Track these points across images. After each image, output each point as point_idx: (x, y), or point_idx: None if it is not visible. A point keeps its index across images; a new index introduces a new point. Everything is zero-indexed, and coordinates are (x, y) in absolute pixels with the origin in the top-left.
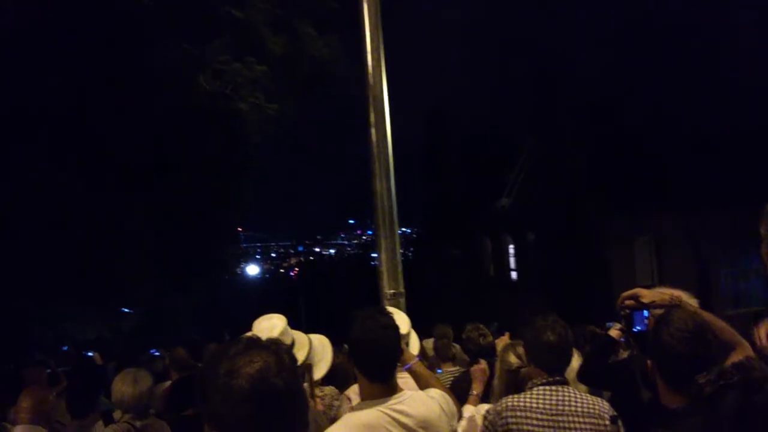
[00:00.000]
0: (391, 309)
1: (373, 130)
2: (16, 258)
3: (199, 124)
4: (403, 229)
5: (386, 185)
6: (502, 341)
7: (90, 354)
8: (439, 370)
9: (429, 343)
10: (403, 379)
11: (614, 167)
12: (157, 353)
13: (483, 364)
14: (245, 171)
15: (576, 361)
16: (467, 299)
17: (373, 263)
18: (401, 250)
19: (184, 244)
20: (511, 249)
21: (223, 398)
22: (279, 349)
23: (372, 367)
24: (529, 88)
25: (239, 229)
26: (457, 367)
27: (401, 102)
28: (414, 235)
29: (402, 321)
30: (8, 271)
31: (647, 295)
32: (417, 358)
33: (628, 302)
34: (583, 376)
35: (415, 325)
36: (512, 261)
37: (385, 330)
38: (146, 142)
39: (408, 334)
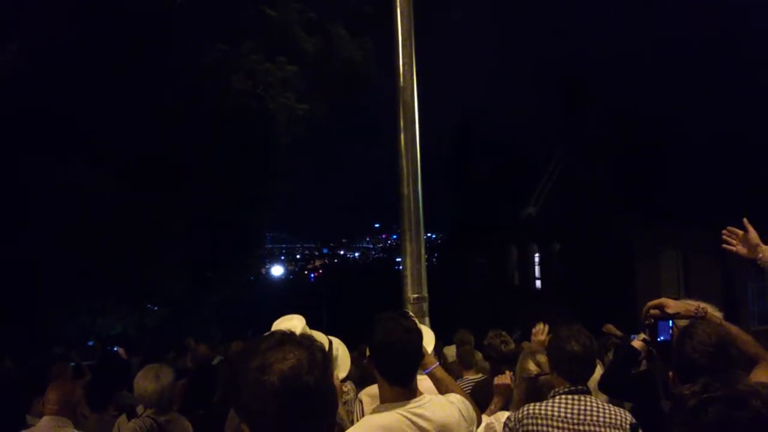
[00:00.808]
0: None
1: (402, 135)
2: (49, 254)
3: (232, 124)
4: (428, 234)
5: (413, 189)
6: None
7: (116, 349)
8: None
9: (451, 350)
10: (422, 382)
11: (642, 179)
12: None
13: (507, 376)
14: (274, 172)
15: (597, 371)
16: (491, 306)
17: (397, 267)
18: (425, 256)
19: (212, 243)
20: (537, 258)
21: (253, 393)
22: (312, 345)
23: (393, 370)
24: (559, 98)
25: (265, 230)
26: (479, 375)
27: (431, 109)
28: (438, 241)
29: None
30: (41, 267)
31: (673, 305)
32: (437, 362)
33: (653, 311)
34: (604, 385)
35: (437, 331)
36: (537, 270)
37: (408, 333)
38: (179, 142)
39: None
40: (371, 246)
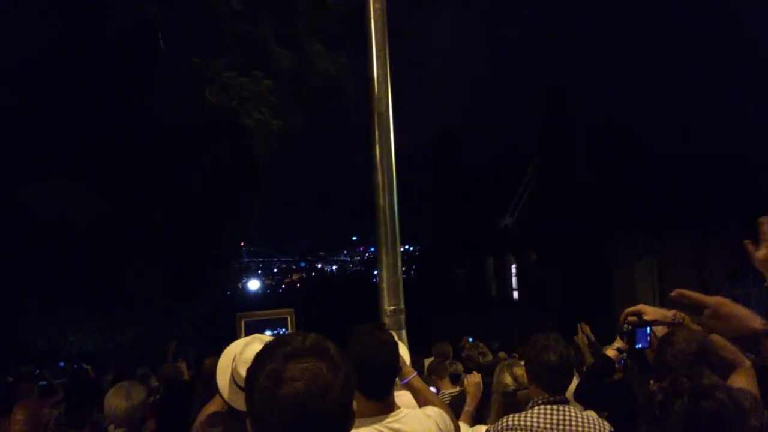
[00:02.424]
0: None
1: (377, 146)
2: (21, 266)
3: (207, 137)
4: (406, 246)
5: (389, 200)
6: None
7: (84, 366)
8: (433, 389)
9: (430, 361)
10: (401, 397)
11: (617, 189)
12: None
13: (477, 376)
14: (249, 186)
15: (573, 381)
16: (469, 317)
17: (374, 280)
18: (404, 268)
19: (186, 256)
20: (513, 268)
21: (261, 397)
22: (339, 364)
23: (369, 383)
24: (535, 110)
25: (242, 243)
26: (457, 388)
27: (410, 121)
28: (416, 253)
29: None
30: (12, 279)
31: (651, 312)
32: (415, 373)
33: (630, 318)
34: (580, 395)
35: (416, 343)
36: (514, 280)
37: (384, 346)
38: (155, 154)
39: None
40: (348, 259)
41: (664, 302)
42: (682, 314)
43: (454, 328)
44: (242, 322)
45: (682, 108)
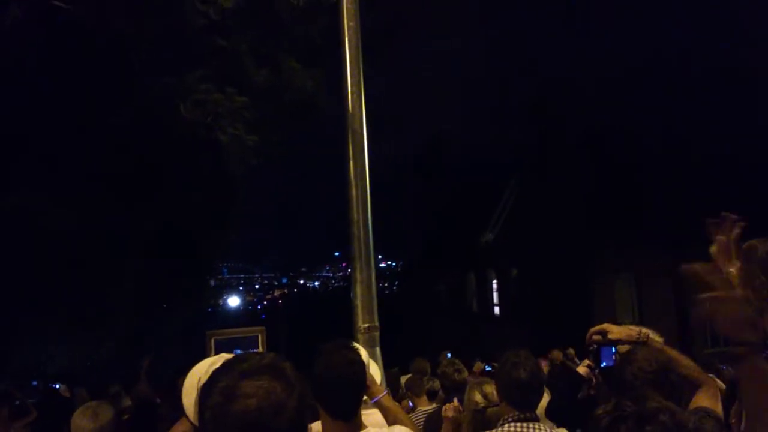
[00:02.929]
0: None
1: (351, 163)
2: None
3: (183, 154)
4: (389, 262)
5: (363, 215)
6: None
7: (57, 386)
8: (411, 404)
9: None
10: (367, 414)
11: (596, 204)
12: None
13: (455, 403)
14: (227, 202)
15: (545, 398)
16: (450, 333)
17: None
18: (387, 284)
19: (165, 274)
20: (494, 283)
21: (212, 414)
22: (294, 384)
23: (335, 403)
24: (517, 126)
25: (222, 259)
26: (433, 405)
27: (392, 137)
28: (399, 269)
29: (362, 353)
30: None
31: (615, 330)
32: (385, 391)
33: (596, 337)
34: (551, 412)
35: (397, 359)
36: (495, 295)
37: (351, 365)
38: (132, 170)
39: (367, 365)
40: (331, 274)
41: (643, 315)
42: (647, 332)
43: (435, 344)
44: (212, 341)
45: (658, 126)
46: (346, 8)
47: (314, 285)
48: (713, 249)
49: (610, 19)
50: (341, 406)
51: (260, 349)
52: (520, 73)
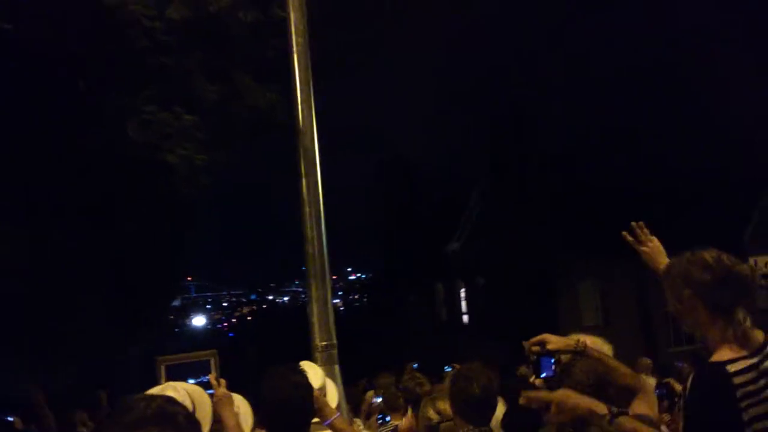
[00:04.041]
0: (305, 364)
1: (303, 180)
2: None
3: (134, 175)
4: (359, 274)
5: (317, 233)
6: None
7: (10, 419)
8: (387, 418)
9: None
10: None
11: (561, 213)
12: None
13: (409, 415)
14: (184, 222)
15: (500, 409)
16: (419, 344)
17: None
18: (357, 296)
19: (122, 300)
20: (462, 293)
21: None
22: (180, 425)
23: (282, 427)
24: (482, 137)
25: (189, 278)
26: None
27: (359, 147)
28: (367, 282)
29: (316, 375)
30: None
31: (554, 341)
32: (338, 413)
33: (534, 348)
34: (506, 425)
35: (367, 370)
36: (463, 305)
37: (297, 389)
38: (85, 194)
39: (323, 387)
40: (300, 289)
41: (607, 318)
42: (585, 341)
43: (405, 354)
44: (162, 367)
45: (620, 135)
46: (294, 25)
47: (283, 300)
48: (645, 251)
49: (575, 34)
50: (288, 429)
51: (213, 374)
52: (486, 87)
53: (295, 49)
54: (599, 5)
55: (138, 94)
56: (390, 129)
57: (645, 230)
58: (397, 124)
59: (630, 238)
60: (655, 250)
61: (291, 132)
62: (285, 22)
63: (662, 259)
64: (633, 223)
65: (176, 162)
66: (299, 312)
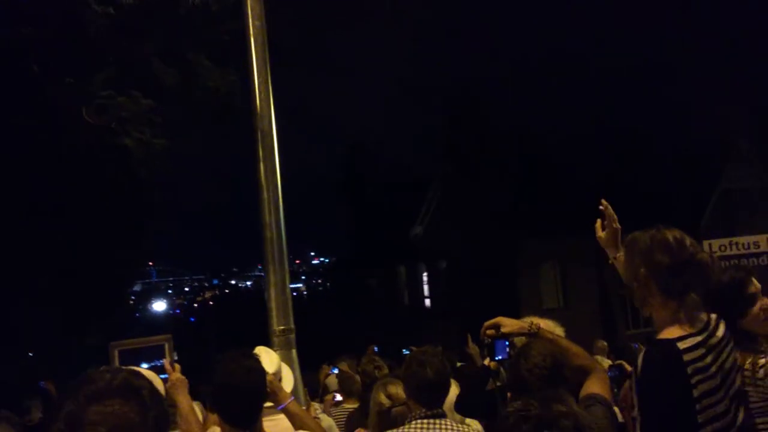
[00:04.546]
0: (260, 349)
1: (261, 164)
2: None
3: (88, 160)
4: (322, 258)
5: (275, 217)
6: None
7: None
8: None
9: (332, 379)
10: (274, 421)
11: (521, 195)
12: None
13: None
14: (142, 206)
15: (453, 391)
16: (382, 327)
17: (294, 294)
18: (320, 280)
19: (81, 284)
20: (425, 276)
21: None
22: (150, 404)
23: (234, 412)
24: (440, 118)
25: (150, 263)
26: (357, 404)
27: (321, 134)
28: (331, 265)
29: (271, 360)
30: None
31: (508, 324)
32: (292, 397)
33: (489, 332)
34: (459, 406)
35: (328, 354)
36: (425, 288)
37: (249, 373)
38: (37, 179)
39: (278, 372)
40: (263, 274)
41: (567, 300)
42: (538, 324)
43: (367, 338)
44: (115, 352)
45: (578, 115)
46: (251, 7)
47: (246, 285)
48: (601, 237)
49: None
50: (239, 414)
51: (167, 359)
52: (444, 72)
53: (252, 31)
54: None
55: (93, 78)
56: (352, 115)
57: (610, 210)
58: (358, 110)
59: (608, 210)
60: (613, 236)
61: (249, 115)
62: (240, 4)
63: (617, 245)
64: (603, 201)
65: (133, 145)
66: (261, 297)
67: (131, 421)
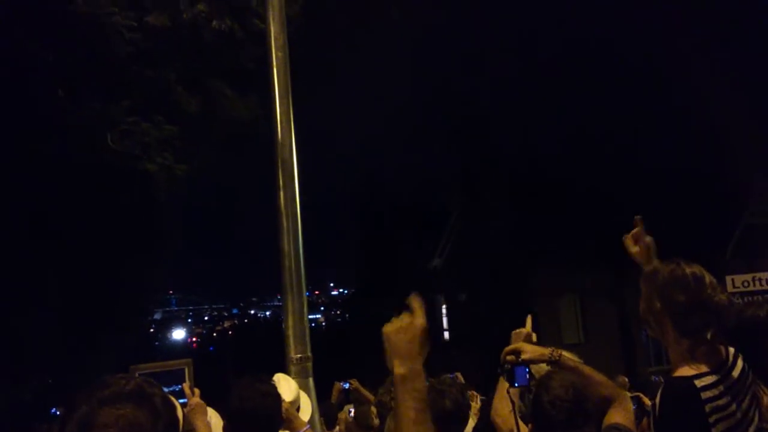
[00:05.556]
0: (279, 376)
1: (281, 192)
2: None
3: (113, 185)
4: (341, 290)
5: (294, 246)
6: None
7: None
8: None
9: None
10: None
11: (540, 226)
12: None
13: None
14: (162, 233)
15: (471, 424)
16: None
17: (313, 324)
18: (339, 311)
19: (93, 309)
20: (443, 309)
21: None
22: (160, 412)
23: None
24: (458, 150)
25: (170, 292)
26: None
27: (336, 167)
28: (349, 297)
29: (290, 388)
30: None
31: (529, 350)
32: (308, 426)
33: (509, 357)
34: None
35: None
36: (444, 320)
37: (264, 398)
38: (58, 202)
39: (296, 400)
40: (282, 302)
41: (587, 335)
42: (560, 351)
43: (385, 370)
44: (135, 375)
45: (599, 149)
46: (274, 38)
47: (265, 315)
48: (635, 252)
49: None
50: None
51: (187, 383)
52: (458, 103)
53: (274, 62)
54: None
55: (118, 103)
56: (371, 145)
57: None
58: (377, 140)
59: (640, 227)
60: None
61: (270, 144)
62: (263, 33)
63: (650, 260)
64: (637, 217)
65: (155, 170)
66: (279, 327)
67: (142, 426)
